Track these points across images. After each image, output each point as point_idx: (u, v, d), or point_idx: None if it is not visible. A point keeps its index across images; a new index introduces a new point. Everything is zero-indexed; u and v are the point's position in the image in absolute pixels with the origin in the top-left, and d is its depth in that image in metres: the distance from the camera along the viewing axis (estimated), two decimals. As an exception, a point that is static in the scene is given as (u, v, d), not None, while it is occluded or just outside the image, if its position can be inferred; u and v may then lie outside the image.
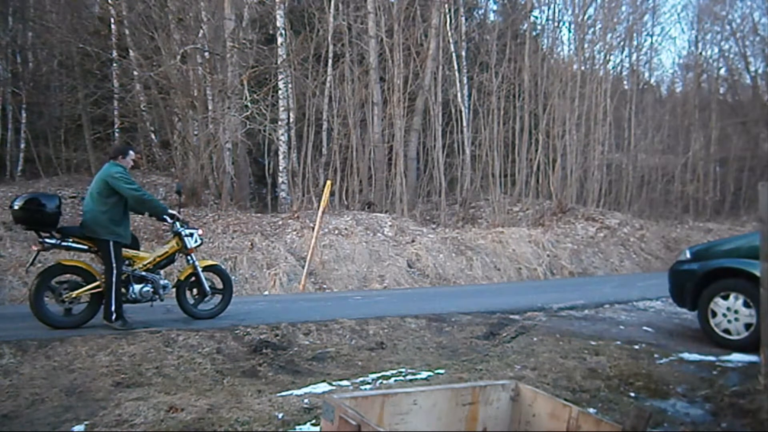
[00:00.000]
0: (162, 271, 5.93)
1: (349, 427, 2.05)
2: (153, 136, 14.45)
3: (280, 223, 11.39)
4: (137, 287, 5.57)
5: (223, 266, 7.03)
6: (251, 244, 9.99)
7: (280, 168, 13.77)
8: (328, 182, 10.38)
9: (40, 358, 4.49)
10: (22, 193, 5.89)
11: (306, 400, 3.70)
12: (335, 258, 10.45)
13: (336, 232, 11.19)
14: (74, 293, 5.32)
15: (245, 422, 3.32)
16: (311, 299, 8.49)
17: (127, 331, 5.15)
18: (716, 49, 23.61)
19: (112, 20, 14.16)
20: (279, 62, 13.47)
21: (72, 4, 14.24)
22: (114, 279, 5.29)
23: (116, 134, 14.68)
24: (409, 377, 4.38)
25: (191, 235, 5.95)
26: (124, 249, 5.47)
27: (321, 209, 9.57)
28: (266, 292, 9.10)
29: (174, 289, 5.99)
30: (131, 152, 5.71)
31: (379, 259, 10.79)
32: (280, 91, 13.82)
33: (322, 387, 4.10)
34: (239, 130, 12.58)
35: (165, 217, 5.79)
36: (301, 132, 14.64)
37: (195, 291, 6.06)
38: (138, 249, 5.84)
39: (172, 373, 4.44)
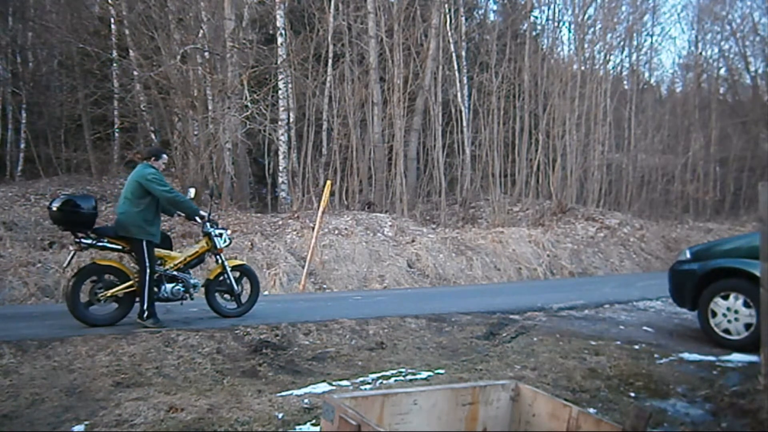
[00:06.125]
0: (191, 271, 6.02)
1: (349, 427, 2.05)
2: (153, 136, 14.45)
3: (280, 223, 11.39)
4: (169, 286, 5.68)
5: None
6: (251, 244, 9.99)
7: (280, 168, 13.77)
8: (328, 182, 10.37)
9: (40, 358, 4.49)
10: (56, 195, 5.92)
11: (306, 400, 3.70)
12: (335, 258, 10.44)
13: (336, 232, 11.19)
14: (109, 292, 5.39)
15: (245, 422, 3.32)
16: (311, 299, 8.49)
17: (159, 328, 5.22)
18: (716, 49, 23.68)
19: (112, 20, 14.16)
20: (279, 62, 13.47)
21: (72, 4, 14.25)
22: (147, 278, 5.38)
23: (116, 134, 14.68)
24: (409, 377, 4.38)
25: (220, 235, 6.05)
26: (156, 249, 5.57)
27: (321, 209, 9.57)
28: (266, 292, 9.08)
29: (202, 288, 6.08)
30: (164, 156, 5.81)
31: (379, 259, 10.78)
32: (280, 91, 13.82)
33: (322, 387, 4.10)
34: (239, 130, 12.58)
35: (196, 217, 5.90)
36: (301, 132, 14.64)
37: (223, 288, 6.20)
38: (170, 249, 5.93)
39: (172, 373, 4.44)
